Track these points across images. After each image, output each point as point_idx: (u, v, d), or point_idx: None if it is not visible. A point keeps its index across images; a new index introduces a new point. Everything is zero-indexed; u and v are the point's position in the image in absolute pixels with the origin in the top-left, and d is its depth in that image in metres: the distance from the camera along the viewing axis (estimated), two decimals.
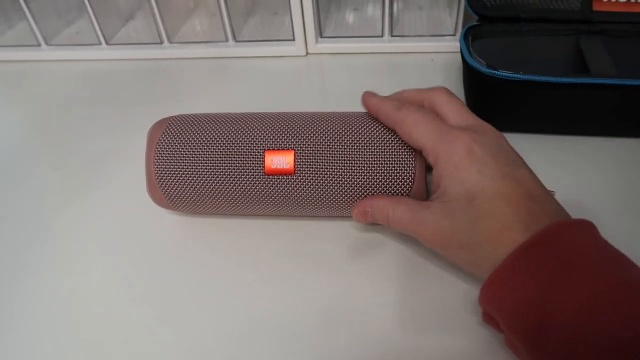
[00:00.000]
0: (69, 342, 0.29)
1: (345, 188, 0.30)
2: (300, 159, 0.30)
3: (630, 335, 0.19)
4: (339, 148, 0.30)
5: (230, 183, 0.31)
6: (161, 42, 0.56)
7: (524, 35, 0.43)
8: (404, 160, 0.30)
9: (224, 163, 0.31)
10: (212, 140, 0.31)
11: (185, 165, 0.31)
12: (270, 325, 0.29)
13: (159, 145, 0.32)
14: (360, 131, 0.31)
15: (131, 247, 0.34)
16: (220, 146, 0.31)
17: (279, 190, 0.31)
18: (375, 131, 0.31)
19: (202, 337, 0.29)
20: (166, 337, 0.29)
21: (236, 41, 0.55)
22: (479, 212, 0.25)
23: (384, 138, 0.30)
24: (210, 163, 0.31)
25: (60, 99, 0.52)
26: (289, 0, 0.50)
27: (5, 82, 0.57)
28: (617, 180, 0.36)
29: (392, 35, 0.53)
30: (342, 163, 0.30)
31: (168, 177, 0.31)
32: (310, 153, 0.30)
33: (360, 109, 0.32)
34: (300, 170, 0.30)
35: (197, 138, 0.31)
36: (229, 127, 0.32)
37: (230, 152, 0.31)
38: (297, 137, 0.31)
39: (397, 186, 0.30)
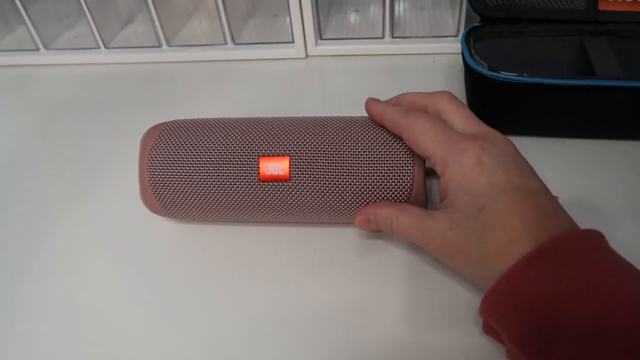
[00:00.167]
0: (67, 347, 0.29)
1: (342, 194, 0.30)
2: (295, 165, 0.30)
3: None
4: (335, 154, 0.29)
5: (225, 190, 0.30)
6: (160, 46, 0.56)
7: (527, 36, 0.42)
8: (403, 166, 0.29)
9: (218, 170, 0.30)
10: (206, 147, 0.31)
11: (179, 172, 0.31)
12: (269, 329, 0.28)
13: (153, 152, 0.31)
14: (357, 136, 0.30)
15: (131, 251, 0.34)
16: (215, 152, 0.30)
17: (274, 197, 0.30)
18: (372, 136, 0.30)
19: (200, 340, 0.28)
20: (166, 340, 0.29)
21: (235, 44, 0.55)
22: (488, 224, 0.24)
23: (382, 143, 0.29)
24: (205, 170, 0.30)
25: (59, 103, 0.52)
26: (287, 2, 0.49)
27: (4, 87, 0.57)
28: (625, 183, 0.35)
29: (393, 37, 0.52)
30: (338, 169, 0.29)
31: (162, 184, 0.31)
32: (305, 159, 0.30)
33: (360, 112, 0.32)
34: (295, 177, 0.30)
35: (191, 144, 0.31)
36: (223, 132, 0.31)
37: (224, 158, 0.30)
38: (292, 143, 0.30)
39: (396, 192, 0.29)
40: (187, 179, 0.30)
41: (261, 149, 0.30)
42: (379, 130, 0.30)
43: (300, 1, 0.49)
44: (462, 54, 0.39)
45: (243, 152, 0.30)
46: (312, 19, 0.50)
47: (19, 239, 0.36)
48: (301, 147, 0.30)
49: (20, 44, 0.59)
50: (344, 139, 0.30)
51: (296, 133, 0.30)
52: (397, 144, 0.29)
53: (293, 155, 0.30)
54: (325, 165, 0.29)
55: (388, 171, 0.29)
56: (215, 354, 0.28)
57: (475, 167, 0.25)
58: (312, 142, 0.30)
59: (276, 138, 0.30)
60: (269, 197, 0.30)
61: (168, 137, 0.31)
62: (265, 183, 0.30)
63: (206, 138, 0.31)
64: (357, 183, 0.29)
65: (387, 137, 0.30)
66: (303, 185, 0.30)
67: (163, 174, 0.31)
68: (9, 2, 0.54)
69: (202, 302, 0.30)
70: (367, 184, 0.29)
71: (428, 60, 0.51)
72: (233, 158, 0.30)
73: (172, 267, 0.33)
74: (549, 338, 0.21)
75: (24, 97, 0.55)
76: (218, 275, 0.32)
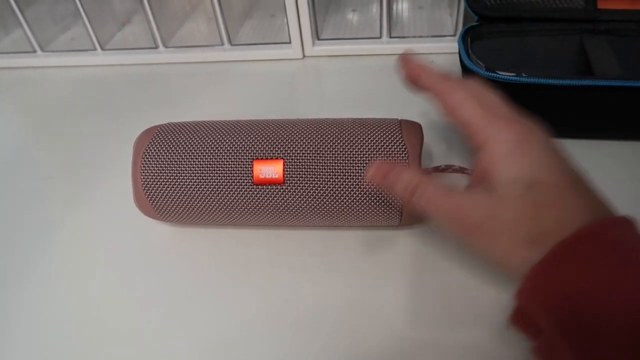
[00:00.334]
0: (66, 350, 0.29)
1: (336, 197, 0.29)
2: (289, 168, 0.29)
3: None
4: (329, 156, 0.29)
5: (219, 194, 0.30)
6: (157, 47, 0.56)
7: (525, 35, 0.41)
8: None
9: (212, 173, 0.30)
10: (200, 150, 0.30)
11: (173, 176, 0.30)
12: (266, 331, 0.28)
13: (146, 155, 0.31)
14: (351, 138, 0.29)
15: (126, 253, 0.34)
16: (208, 156, 0.30)
17: (268, 201, 0.30)
18: (366, 138, 0.29)
19: (197, 341, 0.28)
20: (163, 342, 0.29)
21: (232, 45, 0.54)
22: (540, 201, 0.23)
23: (377, 145, 0.29)
24: (198, 173, 0.30)
25: (56, 105, 0.52)
26: (284, 3, 0.49)
27: (1, 89, 0.57)
28: (624, 183, 0.34)
29: (391, 37, 0.52)
30: (332, 172, 0.29)
31: (155, 189, 0.31)
32: (299, 162, 0.29)
33: (359, 113, 0.31)
34: (289, 180, 0.29)
35: (185, 148, 0.31)
36: (217, 135, 0.31)
37: (218, 162, 0.30)
38: (286, 145, 0.30)
39: (391, 195, 0.29)
40: (181, 183, 0.30)
41: (255, 152, 0.30)
42: (374, 132, 0.30)
43: (297, 2, 0.49)
44: (459, 53, 0.39)
45: (237, 156, 0.30)
46: (309, 20, 0.50)
47: (14, 241, 0.36)
48: (295, 150, 0.29)
49: (16, 46, 0.59)
50: (339, 141, 0.29)
51: (290, 136, 0.30)
52: (391, 145, 0.29)
53: (287, 158, 0.29)
54: (320, 169, 0.29)
55: None
56: (212, 355, 0.28)
57: (520, 144, 0.24)
58: (306, 145, 0.29)
59: (270, 141, 0.30)
60: (263, 201, 0.30)
61: (161, 141, 0.31)
62: (259, 186, 0.29)
63: (199, 141, 0.31)
64: (352, 186, 0.29)
65: (382, 139, 0.29)
66: (297, 189, 0.29)
67: (156, 179, 0.30)
68: (5, 4, 0.54)
69: (198, 304, 0.30)
70: (362, 187, 0.29)
71: (426, 60, 0.50)
72: (227, 161, 0.30)
73: (168, 270, 0.33)
74: (595, 324, 0.20)
75: (20, 99, 0.55)
76: (214, 278, 0.32)
